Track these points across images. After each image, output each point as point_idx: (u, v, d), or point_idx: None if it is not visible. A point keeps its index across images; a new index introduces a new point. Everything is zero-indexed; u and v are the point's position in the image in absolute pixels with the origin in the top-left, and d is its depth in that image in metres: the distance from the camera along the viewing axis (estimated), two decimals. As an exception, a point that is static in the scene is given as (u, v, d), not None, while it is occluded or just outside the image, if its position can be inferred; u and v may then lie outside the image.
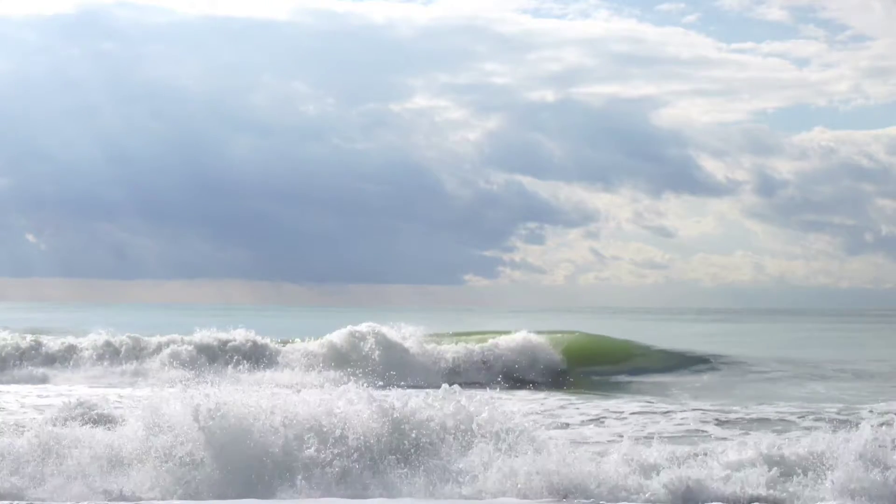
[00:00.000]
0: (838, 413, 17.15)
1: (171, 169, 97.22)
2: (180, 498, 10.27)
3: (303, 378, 23.19)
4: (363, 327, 27.22)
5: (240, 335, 28.01)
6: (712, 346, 32.68)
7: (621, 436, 13.69)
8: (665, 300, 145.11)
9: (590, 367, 27.37)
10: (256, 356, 26.93)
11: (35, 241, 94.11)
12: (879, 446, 10.65)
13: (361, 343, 26.68)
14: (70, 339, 28.67)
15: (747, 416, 17.07)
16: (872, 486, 10.01)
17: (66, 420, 12.79)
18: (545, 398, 20.72)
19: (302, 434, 10.92)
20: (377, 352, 26.31)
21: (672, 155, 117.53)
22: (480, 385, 18.58)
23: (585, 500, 10.16)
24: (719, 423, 16.33)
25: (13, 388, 22.85)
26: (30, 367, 26.79)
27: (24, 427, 12.10)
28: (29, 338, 29.00)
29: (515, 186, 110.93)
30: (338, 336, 27.27)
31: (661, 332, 43.81)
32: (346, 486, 10.42)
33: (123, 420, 12.19)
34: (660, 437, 12.32)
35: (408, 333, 27.52)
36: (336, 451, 10.77)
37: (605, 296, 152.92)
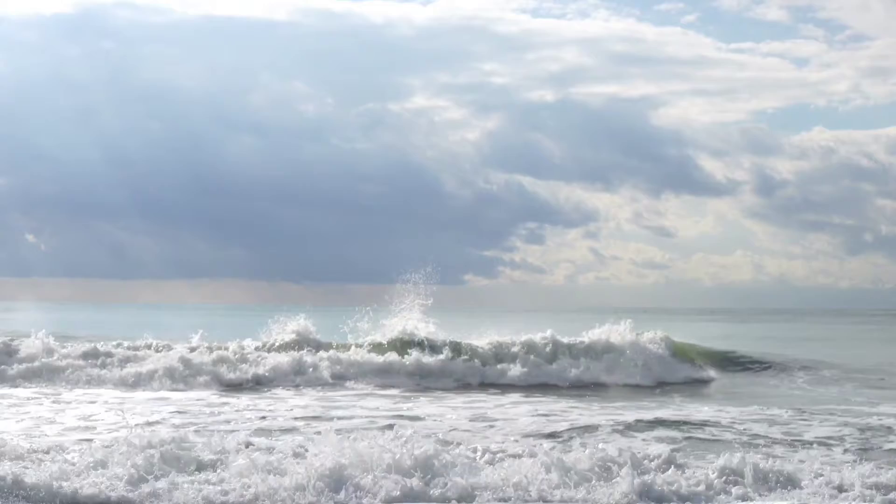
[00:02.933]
0: None
1: (171, 169, 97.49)
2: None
3: None
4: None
5: None
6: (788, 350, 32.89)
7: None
8: (665, 300, 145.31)
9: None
10: None
11: (35, 241, 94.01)
12: None
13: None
14: None
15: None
16: None
17: None
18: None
19: None
20: None
21: (671, 155, 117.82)
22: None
23: None
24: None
25: None
26: None
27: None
28: None
29: (515, 186, 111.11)
30: None
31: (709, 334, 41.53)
32: None
33: None
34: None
35: None
36: None
37: (604, 296, 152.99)
